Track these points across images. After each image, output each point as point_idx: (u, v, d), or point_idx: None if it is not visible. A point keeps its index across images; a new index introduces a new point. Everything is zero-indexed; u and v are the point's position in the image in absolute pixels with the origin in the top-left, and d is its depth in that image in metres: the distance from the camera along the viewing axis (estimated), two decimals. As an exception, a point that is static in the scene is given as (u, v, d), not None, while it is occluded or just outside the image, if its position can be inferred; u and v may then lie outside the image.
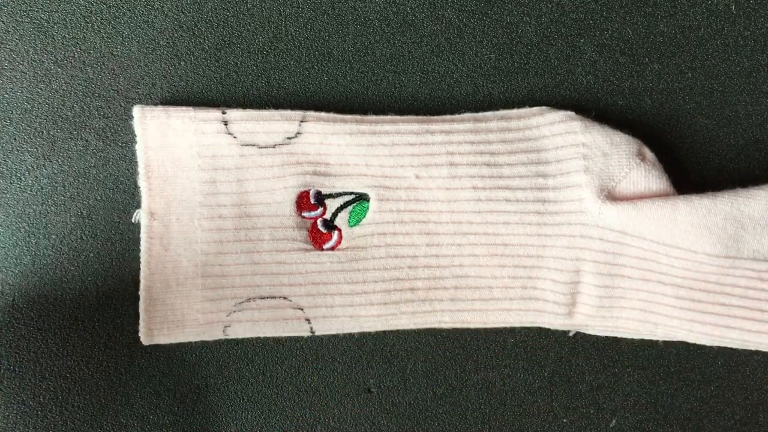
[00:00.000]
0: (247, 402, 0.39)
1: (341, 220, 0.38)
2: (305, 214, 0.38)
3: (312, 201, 0.38)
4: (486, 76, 0.40)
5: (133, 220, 0.38)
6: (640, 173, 0.37)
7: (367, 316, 0.37)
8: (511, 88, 0.39)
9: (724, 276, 0.36)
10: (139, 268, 0.37)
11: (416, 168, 0.37)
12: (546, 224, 0.37)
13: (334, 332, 0.37)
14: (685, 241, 0.36)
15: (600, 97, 0.40)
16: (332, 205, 0.38)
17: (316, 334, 0.37)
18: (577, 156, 0.37)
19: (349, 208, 0.38)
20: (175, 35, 0.39)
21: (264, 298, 0.37)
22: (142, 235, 0.37)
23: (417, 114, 0.39)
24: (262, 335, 0.37)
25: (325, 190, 0.38)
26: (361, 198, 0.38)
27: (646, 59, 0.40)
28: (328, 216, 0.38)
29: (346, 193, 0.38)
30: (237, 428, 0.39)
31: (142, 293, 0.37)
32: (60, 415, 0.38)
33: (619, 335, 0.38)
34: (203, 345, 0.39)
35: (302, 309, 0.37)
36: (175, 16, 0.39)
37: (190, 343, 0.38)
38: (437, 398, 0.39)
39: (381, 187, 0.37)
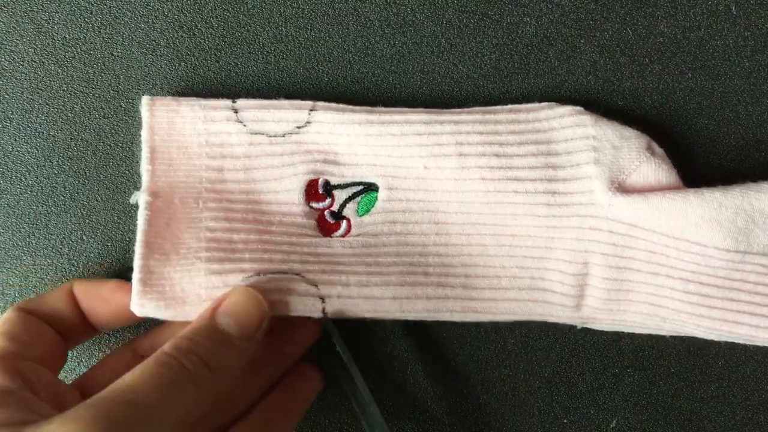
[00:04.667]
0: (247, 402, 0.39)
1: (350, 211, 0.37)
2: (313, 204, 0.37)
3: (320, 191, 0.37)
4: (486, 76, 0.40)
5: (131, 200, 0.36)
6: (651, 167, 0.37)
7: (382, 297, 0.35)
8: (512, 88, 0.39)
9: (734, 271, 0.36)
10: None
11: (425, 158, 0.37)
12: (555, 216, 0.37)
13: (346, 315, 0.35)
14: (696, 234, 0.36)
15: (600, 98, 0.40)
16: (340, 196, 0.37)
17: (328, 315, 0.35)
18: (587, 148, 0.37)
19: (358, 198, 0.37)
20: (175, 35, 0.39)
21: (275, 273, 0.35)
22: (141, 211, 0.35)
23: (417, 114, 0.39)
24: (272, 313, 0.34)
25: (333, 180, 0.37)
26: (370, 188, 0.37)
27: (647, 60, 0.40)
28: (335, 208, 0.37)
29: (354, 184, 0.37)
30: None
31: (136, 263, 0.34)
32: (60, 416, 0.38)
33: (626, 329, 0.38)
34: (203, 345, 0.38)
35: (316, 286, 0.35)
36: (175, 16, 0.39)
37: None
38: (437, 398, 0.39)
39: (390, 177, 0.37)
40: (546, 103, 0.38)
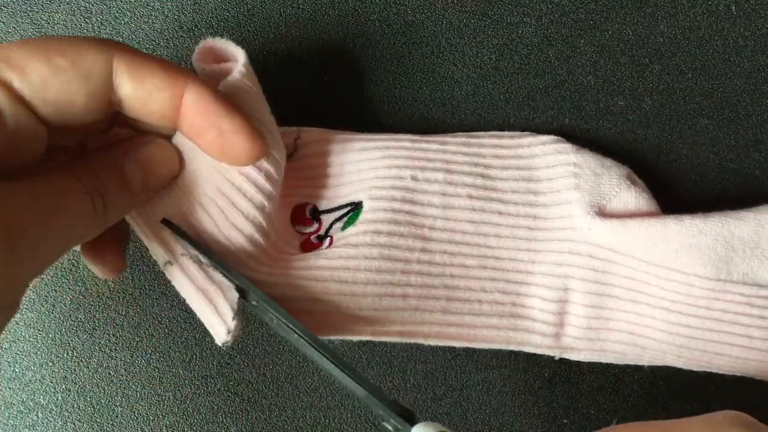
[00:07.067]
0: (247, 402, 0.39)
1: (335, 229, 0.37)
2: (299, 228, 0.37)
3: (307, 215, 0.37)
4: (486, 76, 0.40)
5: None
6: (631, 194, 0.37)
7: (353, 323, 0.33)
8: (512, 88, 0.39)
9: (714, 300, 0.35)
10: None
11: (412, 170, 0.36)
12: (536, 240, 0.37)
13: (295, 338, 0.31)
14: (676, 261, 0.35)
15: (600, 97, 0.40)
16: (327, 220, 0.37)
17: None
18: (567, 174, 0.37)
19: (345, 219, 0.37)
20: (175, 36, 0.39)
21: (227, 270, 0.31)
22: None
23: (417, 115, 0.39)
24: (189, 302, 0.31)
25: (321, 205, 0.37)
26: (357, 207, 0.37)
27: (646, 59, 0.40)
28: (322, 231, 0.37)
29: (341, 206, 0.37)
30: (237, 428, 0.39)
31: None
32: (60, 416, 0.38)
33: (604, 360, 0.37)
34: (202, 345, 0.39)
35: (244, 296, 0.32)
36: (175, 16, 0.39)
37: (189, 342, 0.38)
38: (437, 398, 0.39)
39: (375, 188, 0.36)
40: (528, 132, 0.38)
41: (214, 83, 0.32)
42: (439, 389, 0.39)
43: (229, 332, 0.30)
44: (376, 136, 0.37)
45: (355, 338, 0.34)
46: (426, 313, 0.35)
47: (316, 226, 0.37)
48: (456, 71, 0.39)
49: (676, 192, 0.39)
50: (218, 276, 0.31)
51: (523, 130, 0.39)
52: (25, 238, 0.25)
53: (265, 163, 0.32)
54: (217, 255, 0.32)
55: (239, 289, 0.31)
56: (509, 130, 0.39)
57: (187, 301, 0.31)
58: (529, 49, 0.40)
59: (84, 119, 0.28)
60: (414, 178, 0.36)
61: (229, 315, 0.30)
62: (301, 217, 0.37)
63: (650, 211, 0.37)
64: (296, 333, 0.30)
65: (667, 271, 0.36)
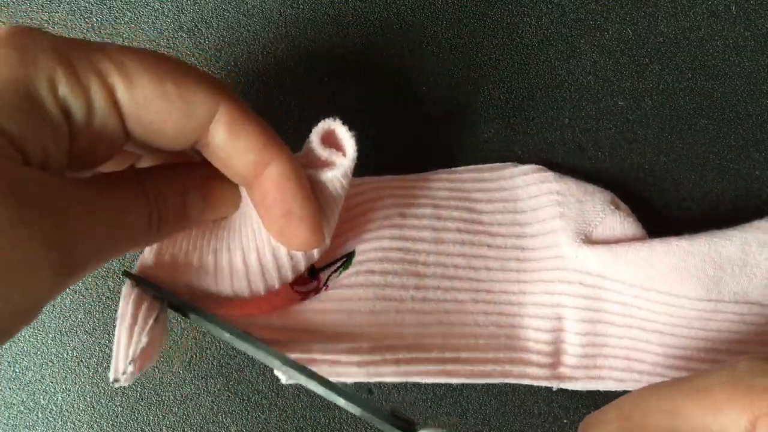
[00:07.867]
0: (247, 402, 0.39)
1: (331, 279, 0.36)
2: (298, 288, 0.36)
3: (305, 275, 0.36)
4: (486, 76, 0.40)
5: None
6: (616, 219, 0.37)
7: (348, 365, 0.32)
8: (512, 88, 0.39)
9: (708, 321, 0.35)
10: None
11: (398, 207, 0.36)
12: (526, 271, 0.36)
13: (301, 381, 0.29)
14: (665, 284, 0.35)
15: (600, 97, 0.40)
16: (324, 275, 0.36)
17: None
18: (551, 203, 0.37)
19: (340, 269, 0.36)
20: (175, 35, 0.39)
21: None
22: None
23: (418, 116, 0.39)
24: (118, 319, 0.30)
25: (318, 264, 0.36)
26: (350, 256, 0.36)
27: (646, 59, 0.40)
28: (321, 285, 0.36)
29: (337, 260, 0.36)
30: (237, 428, 0.39)
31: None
32: (60, 416, 0.38)
33: (602, 387, 0.36)
34: (202, 345, 0.39)
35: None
36: (175, 16, 0.39)
37: (189, 343, 0.38)
38: (437, 398, 0.39)
39: (363, 232, 0.36)
40: (509, 163, 0.38)
41: (310, 162, 0.31)
42: (439, 389, 0.39)
43: (124, 373, 0.29)
44: (357, 181, 0.36)
45: (349, 380, 0.32)
46: (422, 353, 0.34)
47: (314, 283, 0.36)
48: (456, 71, 0.39)
49: (676, 193, 0.39)
50: (160, 321, 0.30)
51: (523, 129, 0.39)
52: (83, 247, 0.25)
53: (299, 254, 0.32)
54: (198, 301, 0.31)
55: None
56: (509, 130, 0.39)
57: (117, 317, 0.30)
58: (529, 49, 0.40)
59: (164, 145, 0.28)
60: (402, 215, 0.36)
61: (130, 358, 0.29)
62: (300, 278, 0.35)
63: (636, 235, 0.37)
64: (279, 361, 0.29)
65: (657, 294, 0.36)
